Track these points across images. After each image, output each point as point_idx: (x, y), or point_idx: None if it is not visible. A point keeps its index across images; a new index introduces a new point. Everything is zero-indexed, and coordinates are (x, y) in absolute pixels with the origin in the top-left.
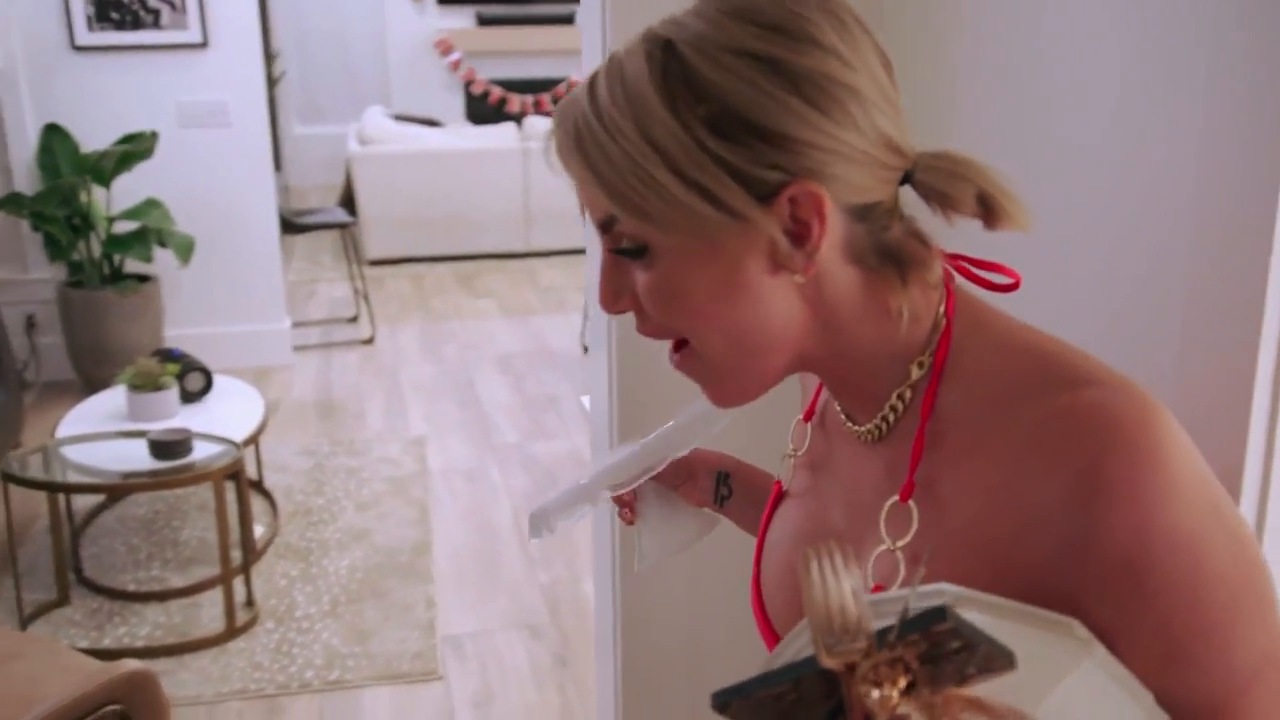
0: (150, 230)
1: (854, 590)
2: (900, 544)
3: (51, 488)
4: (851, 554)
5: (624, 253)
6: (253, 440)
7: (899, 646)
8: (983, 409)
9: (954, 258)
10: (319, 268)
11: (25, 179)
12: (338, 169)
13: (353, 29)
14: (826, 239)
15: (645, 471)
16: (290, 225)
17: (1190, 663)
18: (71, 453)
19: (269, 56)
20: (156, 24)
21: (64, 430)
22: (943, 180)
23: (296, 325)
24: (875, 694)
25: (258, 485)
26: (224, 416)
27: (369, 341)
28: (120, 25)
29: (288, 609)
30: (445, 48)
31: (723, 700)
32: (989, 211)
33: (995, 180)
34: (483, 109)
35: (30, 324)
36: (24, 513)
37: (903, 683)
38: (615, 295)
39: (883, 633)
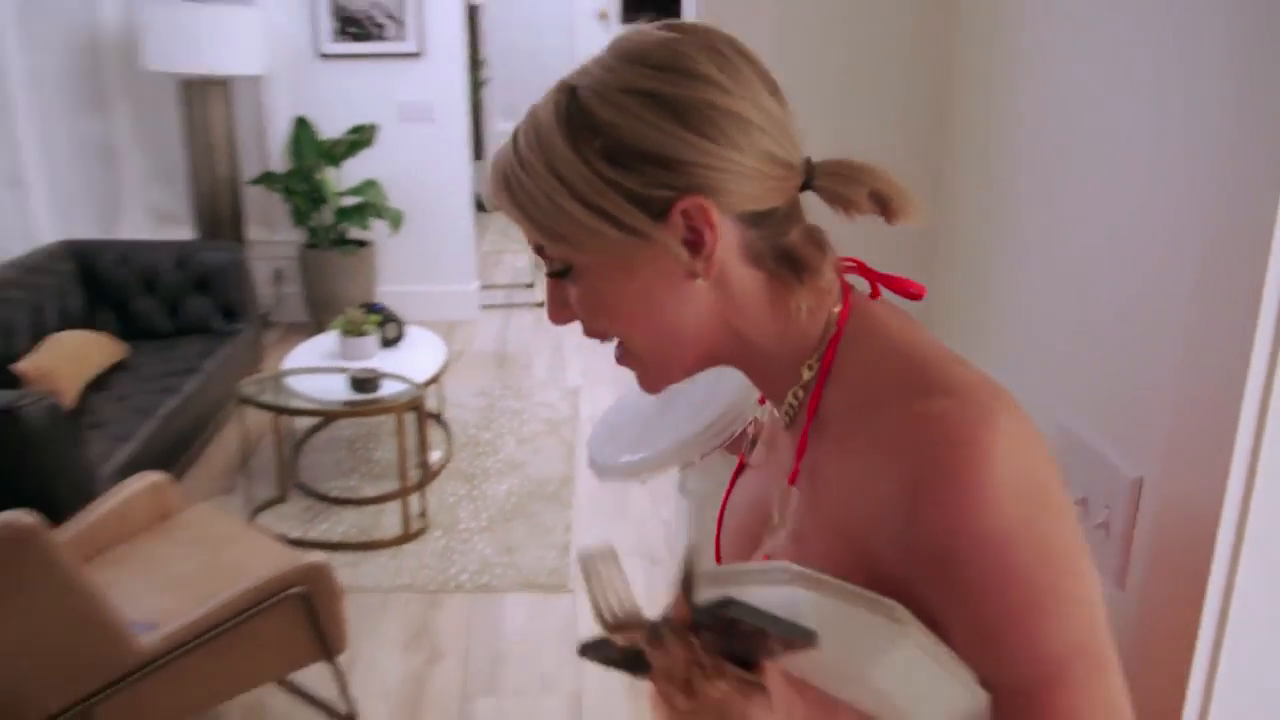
0: (369, 204)
1: (624, 584)
2: (785, 522)
3: (275, 409)
4: (617, 554)
5: (555, 274)
6: (433, 381)
7: (689, 629)
8: (858, 409)
9: (862, 268)
10: (508, 240)
11: (278, 160)
12: None
13: (547, 43)
14: (722, 243)
15: (701, 454)
16: (483, 205)
17: (1001, 650)
18: (293, 382)
19: (477, 64)
20: (382, 36)
21: (288, 364)
22: (838, 184)
23: (484, 288)
24: (665, 662)
25: (438, 418)
26: (412, 360)
27: (541, 305)
28: (356, 38)
29: (453, 522)
30: None
31: (582, 649)
32: (885, 208)
33: (887, 179)
34: None
35: (277, 276)
36: (257, 428)
37: (694, 657)
38: (558, 309)
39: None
